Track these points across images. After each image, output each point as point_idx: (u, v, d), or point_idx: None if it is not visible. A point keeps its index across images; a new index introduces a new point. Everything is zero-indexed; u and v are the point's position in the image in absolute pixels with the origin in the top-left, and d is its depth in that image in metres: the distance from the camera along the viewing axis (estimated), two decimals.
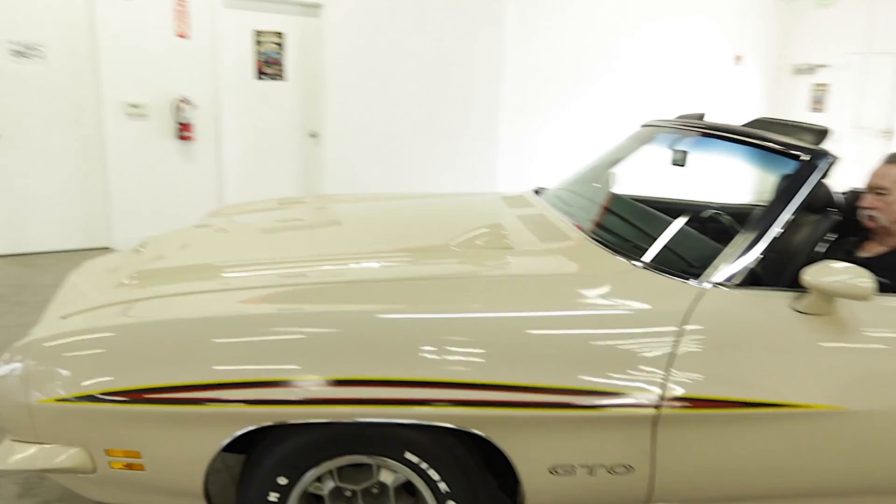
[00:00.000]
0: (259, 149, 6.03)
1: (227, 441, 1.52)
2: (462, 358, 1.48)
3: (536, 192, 2.70)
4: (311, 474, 1.59)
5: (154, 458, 1.55)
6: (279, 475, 1.58)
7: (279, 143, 6.12)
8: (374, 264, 1.82)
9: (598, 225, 2.07)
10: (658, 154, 2.32)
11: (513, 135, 7.22)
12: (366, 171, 6.48)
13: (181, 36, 5.52)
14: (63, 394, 1.51)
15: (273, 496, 1.59)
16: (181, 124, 5.54)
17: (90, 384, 1.50)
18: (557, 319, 1.54)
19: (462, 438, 1.58)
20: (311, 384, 1.46)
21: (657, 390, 1.49)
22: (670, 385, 1.49)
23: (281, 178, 6.21)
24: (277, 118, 6.06)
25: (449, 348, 1.48)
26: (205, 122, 5.68)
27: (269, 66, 5.97)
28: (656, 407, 1.49)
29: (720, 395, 1.49)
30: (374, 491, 1.68)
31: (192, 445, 1.53)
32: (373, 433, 1.55)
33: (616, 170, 2.48)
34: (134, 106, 5.38)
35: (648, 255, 1.75)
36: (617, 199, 2.26)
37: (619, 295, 1.60)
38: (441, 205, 2.59)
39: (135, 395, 1.49)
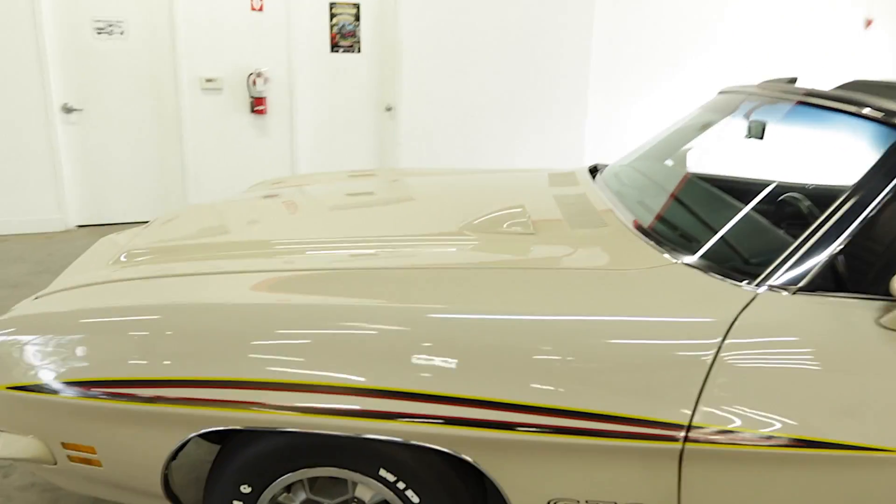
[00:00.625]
0: (333, 123, 5.94)
1: (180, 443, 1.36)
2: (444, 367, 1.23)
3: (594, 169, 2.37)
4: (276, 484, 1.40)
5: (109, 456, 1.41)
6: (242, 483, 1.40)
7: (353, 117, 6.00)
8: (359, 251, 1.59)
9: (647, 210, 1.73)
10: (734, 126, 1.94)
11: (601, 113, 6.75)
12: (443, 147, 6.26)
13: (256, 9, 5.48)
14: (15, 381, 1.39)
15: None
16: (255, 98, 5.54)
17: (42, 373, 1.38)
18: (564, 326, 1.25)
19: (449, 458, 1.34)
20: (273, 389, 1.27)
21: (684, 419, 1.18)
22: (701, 413, 1.17)
23: (355, 153, 6.10)
24: (352, 92, 5.94)
25: (428, 355, 1.24)
26: (278, 96, 5.65)
27: (344, 39, 5.84)
28: (682, 440, 1.19)
29: (765, 431, 1.16)
30: None
31: (146, 445, 1.38)
32: (345, 445, 1.34)
33: (685, 144, 2.11)
34: (209, 80, 5.41)
35: (695, 249, 1.42)
36: (675, 179, 1.91)
37: (649, 298, 1.29)
38: (479, 181, 2.32)
39: (86, 388, 1.35)
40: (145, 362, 1.32)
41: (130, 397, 1.32)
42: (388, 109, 6.07)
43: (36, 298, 1.57)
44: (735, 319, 1.21)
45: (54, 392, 1.37)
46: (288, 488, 1.44)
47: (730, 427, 1.16)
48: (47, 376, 1.37)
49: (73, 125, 5.20)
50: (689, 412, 1.18)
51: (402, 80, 5.95)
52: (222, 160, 5.65)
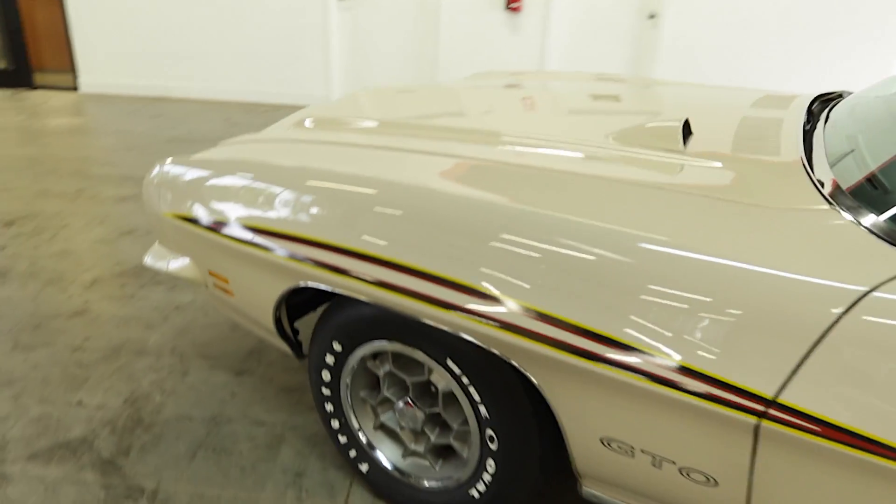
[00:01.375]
0: (589, 26, 5.65)
1: (285, 290, 1.49)
2: (513, 271, 1.15)
3: (837, 96, 1.94)
4: (362, 349, 1.48)
5: (237, 288, 1.61)
6: (335, 340, 1.51)
7: (612, 22, 5.63)
8: (486, 148, 1.52)
9: (844, 151, 1.38)
10: None
11: None
12: (709, 62, 5.62)
13: None
14: (177, 210, 1.64)
15: (329, 358, 1.54)
16: None
17: (195, 208, 1.59)
18: (663, 258, 1.08)
19: (516, 371, 1.28)
20: (363, 260, 1.31)
21: (768, 391, 0.97)
22: (791, 390, 0.95)
23: (609, 60, 5.77)
24: None
25: (502, 257, 1.17)
26: None
27: None
28: (760, 414, 0.98)
29: (861, 429, 0.90)
30: (432, 390, 1.51)
31: (260, 286, 1.54)
32: (419, 327, 1.35)
33: None
34: None
35: (868, 204, 1.10)
36: None
37: (773, 244, 1.05)
38: (679, 94, 2.05)
39: (215, 227, 1.54)
40: (270, 215, 1.45)
41: (245, 241, 1.48)
42: (651, 17, 5.57)
43: (221, 144, 1.80)
44: (871, 290, 0.93)
45: (201, 226, 1.58)
46: (375, 357, 1.51)
47: (819, 413, 0.93)
48: (198, 212, 1.58)
49: (346, 11, 5.66)
50: (777, 386, 0.96)
51: None
52: (472, 55, 5.75)
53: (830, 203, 1.09)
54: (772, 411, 0.97)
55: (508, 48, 5.71)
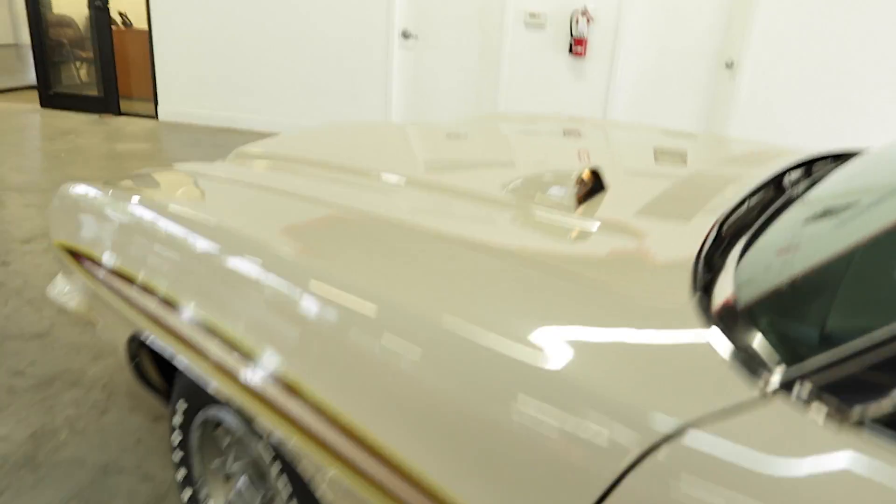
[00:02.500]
0: (659, 74, 5.32)
1: (128, 336, 1.34)
2: (285, 339, 0.94)
3: (843, 155, 1.60)
4: (204, 414, 1.29)
5: (102, 331, 1.48)
6: (180, 398, 1.33)
7: (684, 70, 5.28)
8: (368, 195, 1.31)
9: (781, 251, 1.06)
10: None
11: None
12: (788, 117, 5.13)
13: None
14: (61, 238, 1.54)
15: (176, 419, 1.37)
16: (575, 39, 5.25)
17: (70, 236, 1.49)
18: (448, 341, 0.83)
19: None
20: (169, 308, 1.14)
21: None
22: None
23: (680, 112, 5.40)
24: (687, 40, 5.21)
25: (280, 320, 0.96)
26: (601, 38, 5.26)
27: None
28: None
29: None
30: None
31: (114, 330, 1.40)
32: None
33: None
34: (533, 15, 5.30)
35: (735, 298, 0.80)
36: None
37: (603, 350, 0.77)
38: (638, 139, 1.76)
39: (80, 261, 1.43)
40: (117, 253, 1.31)
41: (101, 281, 1.34)
42: (729, 66, 5.18)
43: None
44: (698, 423, 0.64)
45: (74, 259, 1.47)
46: (218, 425, 1.32)
47: None
48: (75, 242, 1.48)
49: (409, 50, 5.65)
50: None
51: (750, 31, 4.98)
52: (533, 98, 5.56)
53: (702, 311, 0.80)
54: None
55: (571, 93, 5.48)
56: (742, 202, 1.14)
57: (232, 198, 1.34)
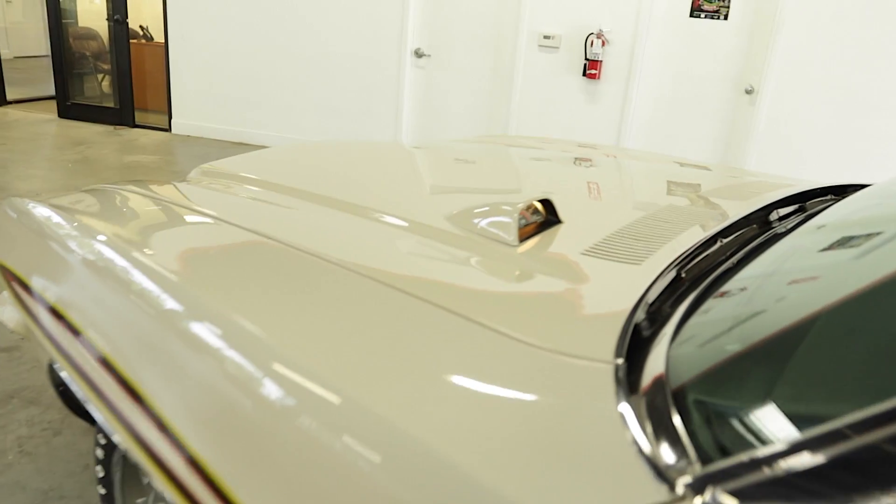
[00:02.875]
0: (675, 99, 5.19)
1: (48, 362, 1.26)
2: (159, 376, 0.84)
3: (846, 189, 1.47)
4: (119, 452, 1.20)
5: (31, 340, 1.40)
6: (100, 432, 1.24)
7: (702, 95, 5.14)
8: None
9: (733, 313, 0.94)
10: None
11: None
12: (810, 146, 4.96)
13: None
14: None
15: (99, 452, 1.27)
16: (589, 61, 5.15)
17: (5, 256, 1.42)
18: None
19: None
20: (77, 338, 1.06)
21: None
22: None
23: (696, 137, 5.26)
24: (706, 66, 5.07)
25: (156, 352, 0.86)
26: (616, 61, 5.15)
27: (709, 2, 4.97)
28: None
29: None
30: None
31: (35, 348, 1.32)
32: None
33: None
34: (546, 37, 5.21)
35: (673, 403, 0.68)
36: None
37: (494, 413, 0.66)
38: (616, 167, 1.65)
39: (6, 276, 1.35)
40: (36, 278, 1.23)
41: (20, 299, 1.26)
42: (748, 92, 5.03)
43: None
44: None
45: (5, 278, 1.39)
46: None
47: None
48: (3, 258, 1.40)
49: (421, 69, 5.60)
50: None
51: (772, 57, 4.83)
52: (545, 119, 5.46)
53: (619, 382, 0.68)
54: None
55: (584, 116, 5.37)
56: (709, 242, 1.02)
57: (156, 223, 1.25)
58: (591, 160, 1.82)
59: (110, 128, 6.50)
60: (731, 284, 0.86)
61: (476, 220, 1.08)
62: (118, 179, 4.70)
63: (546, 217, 1.10)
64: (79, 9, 6.98)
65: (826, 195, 1.47)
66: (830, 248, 0.86)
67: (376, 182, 1.48)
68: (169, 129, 6.46)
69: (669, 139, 5.27)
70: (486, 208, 1.09)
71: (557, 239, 1.03)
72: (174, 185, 1.53)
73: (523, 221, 1.07)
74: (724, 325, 0.72)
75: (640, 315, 0.78)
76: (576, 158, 1.82)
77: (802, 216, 1.24)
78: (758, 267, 0.91)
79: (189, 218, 1.23)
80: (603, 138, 5.39)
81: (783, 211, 1.29)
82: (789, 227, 1.15)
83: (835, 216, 0.99)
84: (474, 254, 0.99)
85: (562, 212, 1.14)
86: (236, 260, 1.00)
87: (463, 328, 0.76)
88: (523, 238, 1.04)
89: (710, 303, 0.80)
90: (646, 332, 0.76)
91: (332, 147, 2.02)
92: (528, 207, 1.09)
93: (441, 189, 1.39)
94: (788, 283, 0.80)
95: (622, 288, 0.85)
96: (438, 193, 1.34)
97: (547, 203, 1.10)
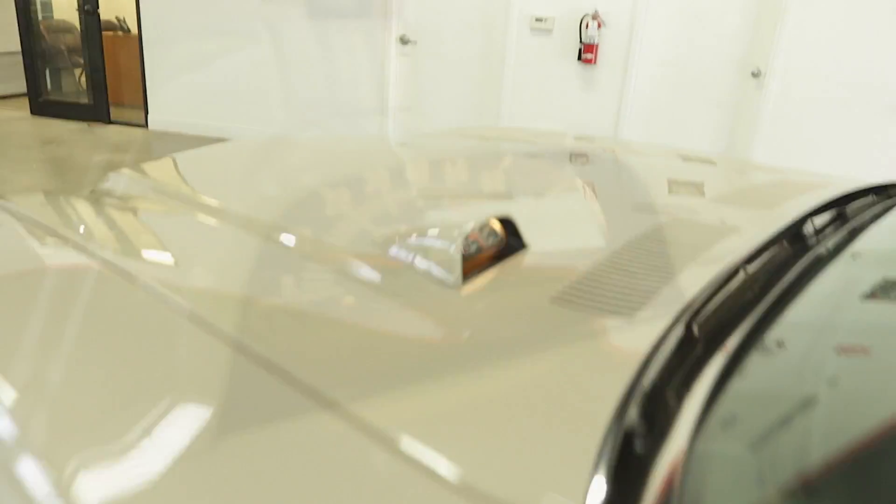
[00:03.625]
0: (677, 83, 4.87)
1: None
2: None
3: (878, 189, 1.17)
4: None
5: None
6: None
7: (705, 79, 4.82)
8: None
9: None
10: None
11: None
12: (820, 132, 4.63)
13: None
14: None
15: None
16: (585, 45, 4.83)
17: None
18: None
19: None
20: None
21: None
22: None
23: (699, 124, 4.93)
24: (709, 46, 4.75)
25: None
26: (613, 44, 4.83)
27: None
28: None
29: None
30: None
31: None
32: None
33: None
34: (539, 20, 4.89)
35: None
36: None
37: None
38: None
39: None
40: None
41: None
42: (755, 75, 4.70)
43: None
44: None
45: None
46: None
47: None
48: None
49: (406, 56, 5.28)
50: None
51: (779, 38, 4.50)
52: (538, 107, 5.15)
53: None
54: None
55: (580, 103, 5.05)
56: (727, 281, 0.72)
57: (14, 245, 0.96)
58: (582, 158, 1.52)
59: (84, 125, 6.20)
60: (767, 346, 0.57)
61: (405, 249, 0.78)
62: (86, 181, 4.42)
63: (506, 241, 0.81)
64: (54, 2, 6.67)
65: (867, 195, 1.18)
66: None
67: (305, 188, 1.19)
68: (146, 126, 6.16)
69: (671, 126, 4.96)
70: (421, 233, 0.79)
71: (518, 274, 0.74)
72: (59, 200, 1.24)
73: (474, 248, 0.78)
74: (772, 437, 0.43)
75: (632, 416, 0.49)
76: (563, 156, 1.52)
77: (847, 230, 0.94)
78: (800, 314, 0.61)
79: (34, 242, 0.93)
80: (600, 126, 5.08)
81: (819, 221, 1.00)
82: (831, 246, 0.85)
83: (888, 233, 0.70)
84: (395, 295, 0.69)
85: (529, 232, 0.84)
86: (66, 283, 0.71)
87: (326, 435, 0.47)
88: (471, 272, 0.74)
89: (741, 383, 0.51)
90: (640, 449, 0.46)
91: (280, 146, 1.73)
92: (483, 228, 0.80)
93: (381, 198, 1.10)
94: (838, 354, 0.51)
95: (606, 363, 0.56)
96: (375, 205, 1.04)
97: (507, 223, 0.80)
